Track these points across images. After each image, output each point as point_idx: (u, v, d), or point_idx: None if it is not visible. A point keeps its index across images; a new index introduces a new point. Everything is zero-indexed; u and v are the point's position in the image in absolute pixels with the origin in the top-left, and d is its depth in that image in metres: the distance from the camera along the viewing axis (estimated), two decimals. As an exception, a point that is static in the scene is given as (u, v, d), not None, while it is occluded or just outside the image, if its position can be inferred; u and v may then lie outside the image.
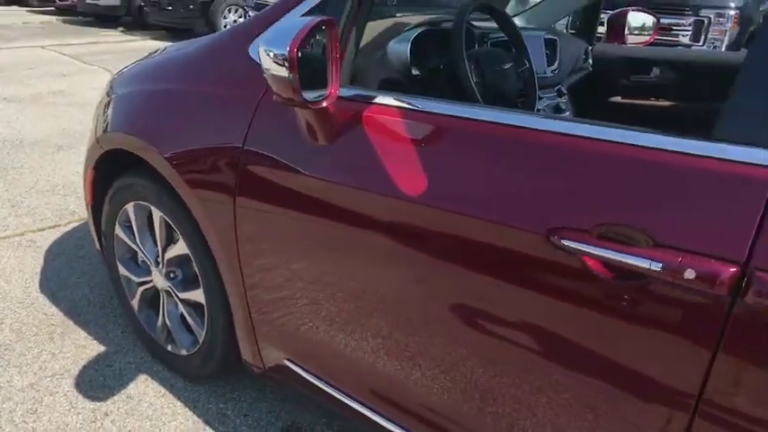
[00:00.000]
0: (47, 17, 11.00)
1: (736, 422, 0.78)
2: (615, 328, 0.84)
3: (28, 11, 11.76)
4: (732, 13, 5.16)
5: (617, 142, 0.85)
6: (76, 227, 2.80)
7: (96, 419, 1.67)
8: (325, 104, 1.09)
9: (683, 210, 0.78)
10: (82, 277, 2.37)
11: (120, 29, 9.81)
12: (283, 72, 0.98)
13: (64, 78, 5.87)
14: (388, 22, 1.48)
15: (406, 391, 1.21)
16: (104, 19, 10.12)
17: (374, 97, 1.15)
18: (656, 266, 0.77)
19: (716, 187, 0.76)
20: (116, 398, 1.75)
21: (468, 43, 1.54)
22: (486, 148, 1.00)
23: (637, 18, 2.56)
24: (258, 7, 7.02)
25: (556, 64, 1.98)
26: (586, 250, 0.84)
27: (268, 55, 1.00)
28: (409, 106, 1.10)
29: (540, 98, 1.90)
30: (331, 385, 1.41)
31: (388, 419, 1.29)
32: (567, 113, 2.00)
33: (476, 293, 0.99)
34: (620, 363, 0.86)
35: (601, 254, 0.82)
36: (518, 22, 2.35)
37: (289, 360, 1.49)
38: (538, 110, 1.77)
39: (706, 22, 5.14)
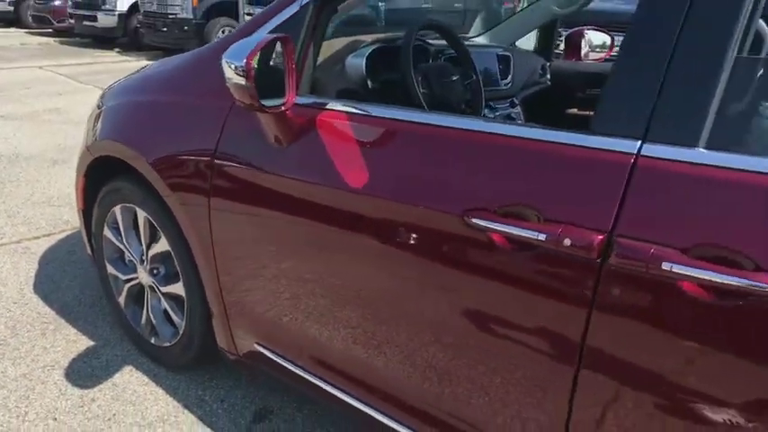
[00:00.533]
0: (45, 39, 11.23)
1: (616, 368, 0.93)
2: (516, 291, 1.00)
3: (26, 32, 11.99)
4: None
5: (514, 136, 1.02)
6: (69, 235, 2.95)
7: (84, 404, 1.81)
8: (282, 110, 1.26)
9: (563, 190, 0.95)
10: (74, 280, 2.52)
11: (117, 50, 10.03)
12: (242, 81, 1.16)
13: (60, 97, 6.06)
14: (347, 40, 1.66)
15: (369, 370, 1.36)
16: (101, 40, 10.34)
17: (327, 104, 1.32)
18: (542, 237, 0.93)
19: (588, 172, 0.93)
20: (102, 386, 1.89)
21: (422, 58, 1.72)
22: (418, 145, 1.17)
23: (594, 37, 2.76)
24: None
25: (509, 78, 2.16)
26: (492, 227, 1.00)
27: (230, 67, 1.17)
28: (356, 111, 1.27)
29: (495, 108, 2.07)
30: (298, 366, 1.56)
31: (355, 398, 1.42)
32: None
33: (410, 268, 1.15)
34: (515, 321, 1.02)
35: (503, 229, 0.99)
36: (482, 40, 2.55)
37: (260, 345, 1.64)
38: (488, 117, 1.94)
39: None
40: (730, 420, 0.83)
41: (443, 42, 1.86)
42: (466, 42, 1.98)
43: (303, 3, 1.36)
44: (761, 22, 1.37)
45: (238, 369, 1.88)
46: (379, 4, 5.96)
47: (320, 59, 1.52)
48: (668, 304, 0.86)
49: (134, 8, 9.69)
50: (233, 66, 1.16)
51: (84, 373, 1.95)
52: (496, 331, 1.07)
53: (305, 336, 1.48)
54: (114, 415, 1.78)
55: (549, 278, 0.96)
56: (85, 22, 10.11)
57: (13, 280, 2.50)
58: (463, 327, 1.11)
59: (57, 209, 3.25)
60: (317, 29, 1.38)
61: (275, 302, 1.52)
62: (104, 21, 9.90)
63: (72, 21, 10.46)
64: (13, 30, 12.45)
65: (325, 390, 1.49)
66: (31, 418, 1.74)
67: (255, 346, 1.65)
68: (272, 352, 1.61)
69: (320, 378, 1.49)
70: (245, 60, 1.13)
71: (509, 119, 2.12)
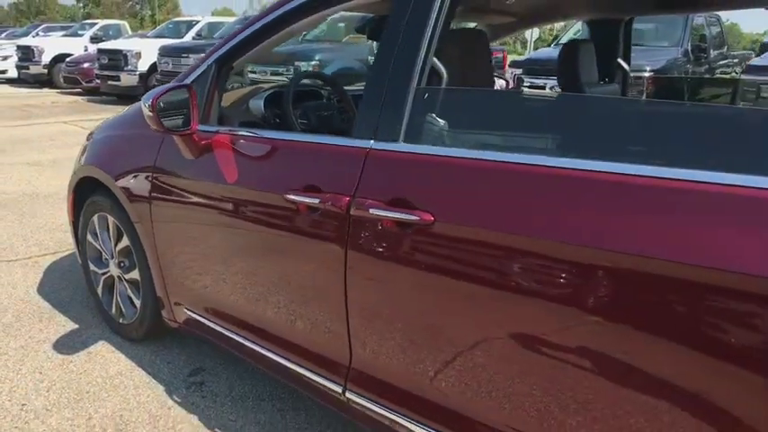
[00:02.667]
0: (74, 97, 12.32)
1: (364, 276, 1.48)
2: (310, 236, 1.56)
3: (58, 92, 13.15)
4: (647, 75, 5.98)
5: (308, 142, 1.61)
6: (71, 254, 3.57)
7: (63, 364, 2.38)
8: (189, 134, 1.87)
9: (331, 173, 1.52)
10: (69, 285, 3.12)
11: (137, 105, 10.99)
12: (150, 113, 1.77)
13: (79, 146, 6.84)
14: (251, 87, 2.28)
15: (267, 323, 1.89)
16: (124, 97, 11.33)
17: (221, 129, 1.92)
18: (316, 201, 1.50)
19: (345, 160, 1.50)
20: (80, 353, 2.47)
21: (309, 97, 2.34)
22: (270, 151, 1.75)
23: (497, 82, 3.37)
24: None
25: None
26: (298, 199, 1.57)
27: (144, 105, 1.79)
28: (241, 133, 1.87)
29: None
30: (220, 326, 2.09)
31: (271, 351, 1.92)
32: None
33: (269, 232, 1.72)
34: (312, 253, 1.57)
35: (301, 199, 1.56)
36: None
37: (191, 312, 2.20)
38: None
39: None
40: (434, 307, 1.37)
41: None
42: None
43: (209, 64, 1.99)
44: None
45: (181, 334, 2.44)
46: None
47: (231, 101, 2.15)
48: (379, 232, 1.40)
49: (153, 68, 10.69)
50: (146, 104, 1.78)
51: (67, 345, 2.53)
52: (304, 265, 1.63)
53: (223, 301, 2.04)
54: (85, 371, 2.34)
55: (325, 226, 1.52)
56: (110, 82, 11.16)
57: (21, 284, 3.13)
58: (293, 267, 1.67)
59: (63, 234, 3.89)
60: (219, 80, 2.00)
61: (199, 277, 2.09)
62: (127, 80, 10.93)
63: (98, 81, 11.53)
64: (46, 90, 13.66)
65: (242, 344, 2.00)
66: (24, 372, 2.32)
67: (188, 313, 2.21)
68: (201, 317, 2.17)
69: (238, 334, 2.02)
70: (150, 101, 1.76)
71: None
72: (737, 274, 0.93)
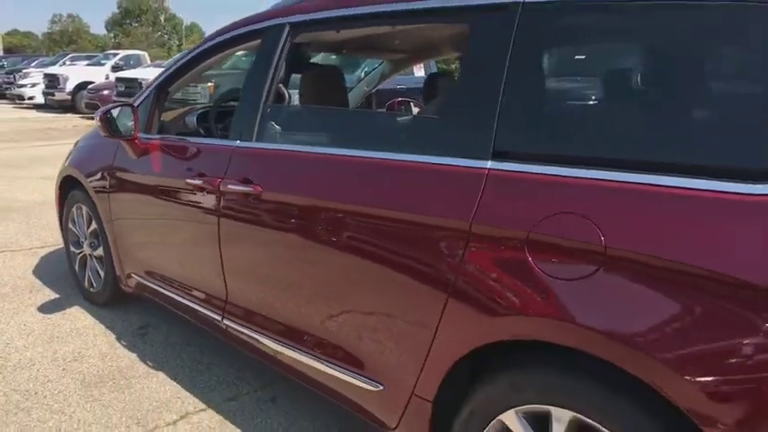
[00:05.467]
0: (93, 122, 13.31)
1: (230, 237, 2.14)
2: (208, 208, 2.23)
3: (80, 117, 14.19)
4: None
5: (210, 144, 2.30)
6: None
7: (44, 319, 3.07)
8: (133, 140, 2.57)
9: (215, 166, 2.19)
10: (59, 269, 3.83)
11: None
12: (99, 123, 2.48)
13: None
14: (187, 108, 2.99)
15: (187, 279, 2.55)
16: (138, 121, 12.29)
17: (157, 137, 2.62)
18: (200, 182, 2.18)
19: (220, 155, 2.18)
20: (57, 313, 3.16)
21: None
22: (197, 152, 2.43)
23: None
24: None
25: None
26: (193, 182, 2.24)
27: (96, 117, 2.50)
28: (172, 140, 2.56)
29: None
30: (163, 287, 2.74)
31: (182, 297, 2.57)
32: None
33: (197, 214, 2.37)
34: (205, 221, 2.23)
35: (194, 182, 2.23)
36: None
37: (139, 277, 2.87)
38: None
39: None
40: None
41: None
42: None
43: (151, 89, 2.71)
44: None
45: (135, 299, 3.12)
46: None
47: (171, 117, 2.87)
48: (235, 201, 2.06)
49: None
50: (96, 117, 2.50)
51: (48, 308, 3.22)
52: (198, 229, 2.28)
53: (157, 264, 2.72)
54: (59, 324, 3.02)
55: (207, 200, 2.19)
56: (125, 107, 12.10)
57: (21, 267, 3.85)
58: (192, 232, 2.34)
59: (61, 231, 4.63)
60: (159, 101, 2.71)
61: (142, 248, 2.77)
62: (140, 105, 11.86)
63: (115, 106, 12.49)
64: (69, 115, 14.72)
65: (167, 295, 2.67)
66: (12, 324, 3.01)
67: (137, 278, 2.89)
68: (145, 280, 2.84)
69: (165, 288, 2.68)
70: (100, 114, 2.47)
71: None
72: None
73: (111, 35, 66.86)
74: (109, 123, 2.52)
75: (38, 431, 2.14)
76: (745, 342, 1.05)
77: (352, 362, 1.79)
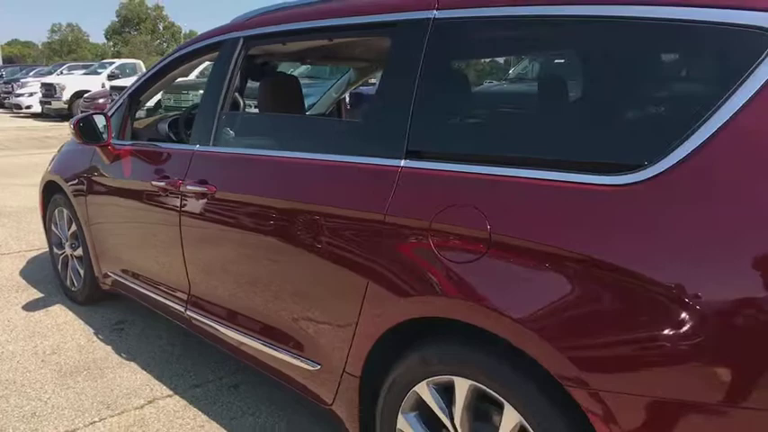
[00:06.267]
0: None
1: (192, 234, 2.32)
2: (174, 208, 2.41)
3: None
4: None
5: (169, 148, 2.47)
6: (52, 248, 4.47)
7: (27, 316, 3.24)
8: (105, 145, 2.76)
9: (176, 167, 2.37)
10: (44, 271, 4.01)
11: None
12: (73, 131, 2.66)
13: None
14: (160, 116, 3.18)
15: (155, 274, 2.73)
16: (133, 129, 12.51)
17: (129, 143, 2.80)
18: (164, 183, 2.36)
19: (182, 158, 2.36)
20: (40, 311, 3.33)
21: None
22: (154, 156, 2.61)
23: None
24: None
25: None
26: (158, 184, 2.42)
27: (70, 126, 2.68)
28: (143, 145, 2.74)
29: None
30: (136, 284, 2.92)
31: (151, 291, 2.76)
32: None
33: (163, 213, 2.56)
34: (167, 221, 2.41)
35: (159, 184, 2.41)
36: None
37: (115, 275, 3.05)
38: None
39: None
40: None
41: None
42: None
43: (123, 98, 2.90)
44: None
45: (112, 296, 3.29)
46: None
47: (146, 124, 3.05)
48: (193, 200, 2.24)
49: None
50: (71, 125, 2.68)
51: (32, 306, 3.40)
52: (163, 227, 2.46)
53: (129, 261, 2.90)
54: (41, 320, 3.20)
55: (170, 200, 2.37)
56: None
57: (8, 269, 4.03)
58: (157, 230, 2.51)
59: (49, 235, 4.81)
60: (131, 110, 2.89)
61: (119, 248, 2.95)
62: (134, 113, 12.07)
63: (110, 114, 12.71)
64: (66, 123, 14.92)
65: (139, 290, 2.85)
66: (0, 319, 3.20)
67: (113, 276, 3.07)
68: (122, 278, 3.01)
69: (137, 284, 2.86)
70: (73, 122, 2.65)
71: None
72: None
73: (111, 44, 67.30)
74: (82, 131, 2.71)
75: (14, 415, 2.32)
76: (601, 310, 1.22)
77: (294, 345, 1.97)
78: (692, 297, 1.10)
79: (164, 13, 68.56)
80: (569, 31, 1.37)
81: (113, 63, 17.44)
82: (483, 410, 1.49)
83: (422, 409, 1.62)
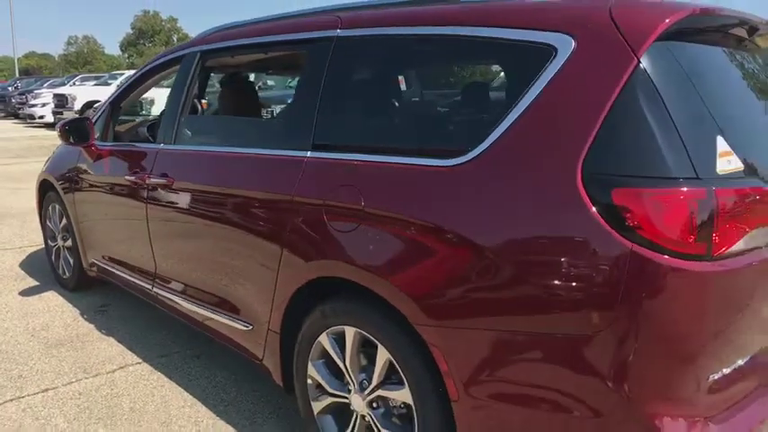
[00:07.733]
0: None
1: (158, 223, 2.69)
2: (138, 197, 2.79)
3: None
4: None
5: (142, 147, 2.85)
6: (51, 243, 4.88)
7: (23, 301, 3.64)
8: (89, 146, 3.15)
9: (142, 164, 2.75)
10: (42, 263, 4.41)
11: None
12: (59, 134, 3.05)
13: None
14: (140, 120, 3.57)
15: (129, 258, 3.10)
16: (139, 138, 13.01)
17: (111, 144, 3.19)
18: (134, 178, 2.73)
19: (149, 157, 2.73)
20: (35, 296, 3.72)
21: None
22: (130, 155, 2.99)
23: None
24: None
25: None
26: (130, 178, 2.80)
27: (57, 129, 3.08)
28: (122, 145, 3.13)
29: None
30: (119, 270, 3.29)
31: (125, 273, 3.12)
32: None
33: (133, 206, 2.93)
34: (137, 210, 2.79)
35: (131, 178, 2.79)
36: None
37: (100, 262, 3.43)
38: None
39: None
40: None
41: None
42: None
43: (105, 105, 3.29)
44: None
45: (98, 281, 3.68)
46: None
47: (129, 128, 3.45)
48: (155, 191, 2.61)
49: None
50: (57, 128, 3.07)
51: (29, 292, 3.80)
52: (133, 217, 2.84)
53: (110, 249, 3.27)
54: (34, 304, 3.59)
55: (139, 192, 2.74)
56: (127, 124, 12.84)
57: (10, 261, 4.44)
58: (128, 220, 2.89)
59: (50, 233, 5.22)
60: (113, 115, 3.29)
61: (102, 237, 3.33)
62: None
63: (118, 123, 13.23)
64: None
65: (127, 279, 3.21)
66: (-4, 304, 3.59)
67: (98, 263, 3.45)
68: (106, 265, 3.39)
69: (117, 270, 3.24)
70: (60, 125, 3.04)
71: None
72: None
73: (126, 55, 68.66)
74: (67, 134, 3.10)
75: (3, 376, 2.69)
76: (439, 264, 1.57)
77: (231, 309, 2.33)
78: (497, 249, 1.45)
79: (177, 25, 69.91)
80: (420, 49, 1.74)
81: (123, 74, 18.03)
82: (367, 354, 1.84)
83: (326, 357, 1.97)
